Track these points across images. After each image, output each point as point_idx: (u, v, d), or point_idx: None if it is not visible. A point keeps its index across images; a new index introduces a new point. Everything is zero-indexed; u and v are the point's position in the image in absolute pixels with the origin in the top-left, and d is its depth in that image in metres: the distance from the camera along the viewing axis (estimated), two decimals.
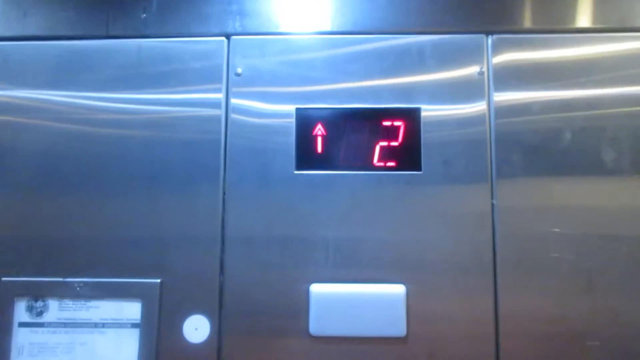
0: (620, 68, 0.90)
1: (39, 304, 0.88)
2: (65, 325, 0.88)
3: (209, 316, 0.87)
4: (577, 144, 0.88)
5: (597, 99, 0.89)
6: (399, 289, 0.85)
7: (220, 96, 0.90)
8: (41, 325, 0.88)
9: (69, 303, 0.88)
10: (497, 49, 0.90)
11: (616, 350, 0.84)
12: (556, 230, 0.86)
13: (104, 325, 0.88)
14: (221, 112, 0.90)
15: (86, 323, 0.88)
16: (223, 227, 0.88)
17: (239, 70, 0.91)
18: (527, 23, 0.92)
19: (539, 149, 0.88)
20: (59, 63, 0.93)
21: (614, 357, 0.84)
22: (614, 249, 0.86)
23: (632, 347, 0.84)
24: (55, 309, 0.88)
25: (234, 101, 0.90)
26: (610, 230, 0.86)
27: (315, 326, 0.85)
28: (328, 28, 0.93)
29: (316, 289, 0.86)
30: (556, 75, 0.90)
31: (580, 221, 0.87)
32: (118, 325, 0.88)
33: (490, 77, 0.90)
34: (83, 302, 0.88)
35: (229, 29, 0.93)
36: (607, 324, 0.85)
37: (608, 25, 0.91)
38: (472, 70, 0.90)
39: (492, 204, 0.87)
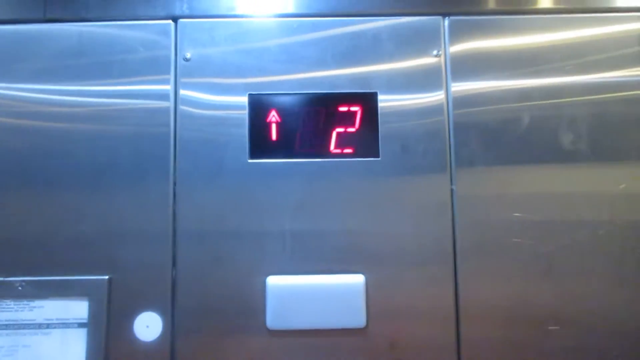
0: (578, 55, 0.89)
1: None
2: (6, 327, 0.83)
3: (161, 313, 0.83)
4: (534, 132, 0.87)
5: (554, 87, 0.88)
6: (357, 279, 0.83)
7: (168, 87, 0.86)
8: None
9: (10, 303, 0.84)
10: (455, 31, 0.88)
11: (576, 334, 0.84)
12: (515, 216, 0.85)
13: (48, 325, 0.83)
14: (170, 104, 0.85)
15: (29, 324, 0.83)
16: (174, 220, 0.84)
17: (188, 55, 0.87)
18: (485, 4, 0.90)
19: (498, 138, 0.87)
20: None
21: (574, 341, 0.84)
22: (572, 234, 0.86)
23: (592, 331, 0.84)
24: None
25: (183, 92, 0.86)
26: (567, 216, 0.86)
27: (273, 320, 0.82)
28: (282, 10, 0.90)
29: (273, 281, 0.83)
30: (514, 63, 0.89)
31: (538, 207, 0.86)
32: (64, 325, 0.83)
33: (448, 64, 0.88)
34: (26, 302, 0.84)
35: (176, 12, 0.89)
36: (568, 308, 0.85)
37: (569, 5, 0.90)
38: (428, 54, 0.88)
39: (452, 190, 0.85)
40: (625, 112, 0.88)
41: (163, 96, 0.86)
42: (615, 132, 0.88)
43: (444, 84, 0.87)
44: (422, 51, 0.88)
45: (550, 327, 0.84)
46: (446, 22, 0.89)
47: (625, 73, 0.89)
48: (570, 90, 0.88)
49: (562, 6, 0.91)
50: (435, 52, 0.88)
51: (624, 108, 0.88)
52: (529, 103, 0.88)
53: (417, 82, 0.87)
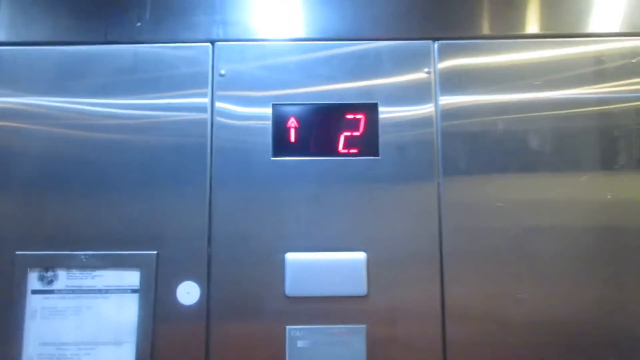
0: (545, 74, 1.07)
1: (50, 274, 1.02)
2: (73, 292, 1.02)
3: (199, 282, 1.01)
4: (509, 143, 1.05)
5: (526, 102, 1.06)
6: (360, 256, 1.01)
7: (206, 100, 1.05)
8: (51, 292, 1.02)
9: (76, 273, 1.02)
10: (443, 53, 1.07)
11: (556, 332, 1.00)
12: (494, 220, 1.03)
13: (107, 291, 1.02)
14: (207, 115, 1.05)
15: (91, 290, 1.02)
16: (210, 208, 1.03)
17: (223, 72, 1.06)
18: (470, 31, 1.09)
19: (480, 148, 1.04)
20: (61, 67, 1.07)
21: (555, 337, 1.01)
22: (547, 238, 1.02)
23: (569, 329, 1.00)
24: (64, 278, 1.02)
25: (218, 105, 1.05)
26: (541, 221, 1.03)
27: (290, 288, 1.00)
28: (300, 35, 1.09)
29: (290, 257, 1.01)
30: (494, 80, 1.06)
31: (516, 213, 1.03)
32: (120, 291, 1.02)
33: (437, 80, 1.07)
34: (89, 272, 1.02)
35: (214, 36, 1.08)
36: (547, 308, 1.01)
37: (538, 31, 1.08)
38: (421, 72, 1.07)
39: (438, 185, 1.03)
40: (584, 127, 1.06)
41: (201, 109, 1.05)
42: (575, 145, 1.05)
43: (434, 98, 1.06)
44: (416, 69, 1.07)
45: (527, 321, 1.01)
46: (436, 45, 1.08)
47: (584, 90, 1.07)
48: (538, 105, 1.06)
49: (532, 32, 1.09)
50: (426, 70, 1.07)
51: (582, 122, 1.06)
52: (504, 116, 1.06)
53: (411, 94, 1.06)
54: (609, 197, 1.03)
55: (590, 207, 1.03)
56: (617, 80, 1.07)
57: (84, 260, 1.02)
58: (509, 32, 1.09)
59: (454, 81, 1.07)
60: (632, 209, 1.03)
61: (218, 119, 1.04)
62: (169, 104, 1.05)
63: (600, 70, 1.07)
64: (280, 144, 1.04)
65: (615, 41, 1.08)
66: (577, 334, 1.00)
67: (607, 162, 1.04)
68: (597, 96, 1.06)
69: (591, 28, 1.09)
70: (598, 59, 1.07)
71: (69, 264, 1.02)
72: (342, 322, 1.00)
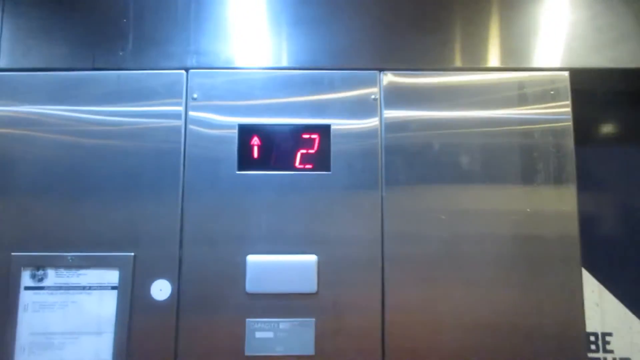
0: (478, 94, 1.22)
1: (40, 272, 1.16)
2: (60, 288, 1.16)
3: (171, 280, 1.16)
4: (443, 156, 1.20)
5: (458, 119, 1.22)
6: (312, 258, 1.16)
7: (179, 123, 1.20)
8: (42, 288, 1.16)
9: (63, 271, 1.17)
10: (387, 80, 1.23)
11: (481, 332, 1.15)
12: (430, 227, 1.17)
13: (90, 288, 1.16)
14: (181, 135, 1.19)
15: (76, 286, 1.16)
16: (182, 215, 1.17)
17: (195, 96, 1.21)
18: (412, 63, 1.25)
19: (417, 160, 1.20)
20: (54, 89, 1.22)
21: (480, 337, 1.15)
22: (475, 245, 1.17)
23: (492, 330, 1.14)
24: (53, 276, 1.16)
25: (190, 126, 1.20)
26: (470, 229, 1.17)
27: (250, 286, 1.15)
28: (265, 64, 1.24)
29: (251, 259, 1.16)
30: (432, 98, 1.22)
31: (448, 221, 1.18)
32: (101, 288, 1.16)
33: (382, 101, 1.22)
34: (74, 271, 1.16)
35: (188, 64, 1.23)
36: (473, 310, 1.15)
37: (467, 65, 1.24)
38: (368, 95, 1.22)
39: (382, 198, 1.18)
40: (508, 144, 1.21)
41: (176, 129, 1.20)
42: (500, 160, 1.21)
43: (379, 112, 1.21)
44: (364, 94, 1.22)
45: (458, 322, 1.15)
46: (382, 75, 1.23)
47: (508, 111, 1.22)
48: (469, 122, 1.21)
49: (464, 65, 1.25)
50: (373, 97, 1.22)
51: (506, 139, 1.21)
52: (440, 131, 1.21)
53: (359, 112, 1.21)
54: (528, 209, 1.17)
55: (512, 218, 1.18)
56: (537, 104, 1.22)
57: (71, 260, 1.16)
58: (444, 65, 1.24)
59: (397, 98, 1.22)
60: (548, 220, 1.17)
61: (190, 138, 1.19)
62: (149, 111, 1.21)
63: (522, 94, 1.22)
64: (245, 160, 1.19)
65: (536, 71, 1.23)
66: (500, 334, 1.14)
67: (527, 176, 1.19)
68: (519, 117, 1.22)
69: (514, 63, 1.25)
70: (520, 84, 1.23)
71: (58, 263, 1.16)
72: (295, 316, 1.14)
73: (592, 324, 1.36)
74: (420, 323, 1.15)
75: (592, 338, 1.37)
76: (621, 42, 1.26)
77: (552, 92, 1.22)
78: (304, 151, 1.20)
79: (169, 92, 1.21)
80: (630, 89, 1.38)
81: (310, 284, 1.14)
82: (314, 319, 1.13)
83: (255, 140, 1.20)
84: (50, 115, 1.20)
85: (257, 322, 1.13)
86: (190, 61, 1.22)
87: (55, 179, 1.18)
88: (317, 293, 1.14)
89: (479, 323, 1.15)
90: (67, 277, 1.16)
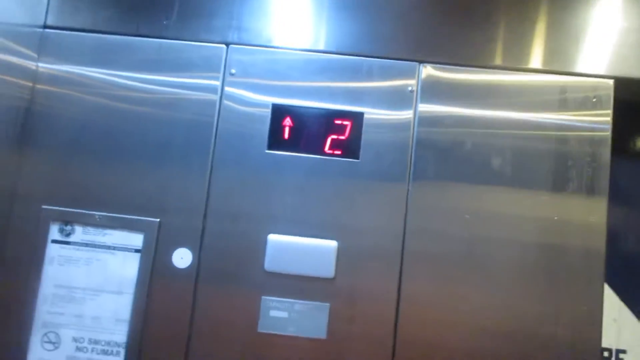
0: (514, 96, 1.20)
1: (68, 227, 1.20)
2: (86, 245, 1.20)
3: (192, 249, 1.18)
4: (475, 156, 1.19)
5: (493, 118, 1.20)
6: (332, 244, 1.17)
7: (215, 97, 1.21)
8: (68, 243, 1.20)
9: (90, 229, 1.20)
10: (426, 73, 1.21)
11: (495, 337, 1.14)
12: (453, 226, 1.16)
13: (115, 248, 1.19)
14: (217, 97, 1.21)
15: (102, 245, 1.20)
16: (209, 188, 1.19)
17: (233, 71, 1.22)
18: (453, 58, 1.23)
19: (447, 157, 1.19)
20: (98, 51, 1.24)
21: (494, 342, 1.14)
22: (497, 249, 1.16)
23: (508, 336, 1.14)
24: (79, 233, 1.20)
25: (225, 102, 1.21)
26: (494, 232, 1.16)
27: (269, 264, 1.17)
28: (304, 46, 1.24)
29: (272, 237, 1.18)
30: (469, 95, 1.20)
31: (472, 222, 1.17)
32: (125, 249, 1.19)
33: (419, 94, 1.21)
34: (101, 230, 1.20)
35: (229, 39, 1.24)
36: (490, 314, 1.15)
37: (509, 64, 1.22)
38: (405, 87, 1.21)
39: (407, 192, 1.18)
40: (542, 149, 1.19)
41: (211, 102, 1.22)
42: (532, 164, 1.19)
43: (414, 105, 1.20)
44: (401, 85, 1.21)
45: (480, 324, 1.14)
46: (421, 67, 1.22)
47: (546, 115, 1.20)
48: (504, 123, 1.20)
49: (506, 65, 1.22)
50: (410, 89, 1.21)
51: (541, 144, 1.19)
52: (473, 130, 1.19)
53: (394, 104, 1.21)
54: (556, 217, 1.16)
55: (538, 225, 1.16)
56: (577, 111, 1.19)
57: (98, 219, 1.19)
58: (486, 62, 1.22)
59: (434, 91, 1.20)
60: (575, 231, 1.15)
61: (224, 113, 1.20)
62: (186, 83, 1.22)
63: (563, 99, 1.20)
64: (275, 140, 1.20)
65: (579, 76, 1.20)
66: (513, 340, 1.14)
67: (558, 184, 1.17)
68: (557, 122, 1.19)
69: (557, 66, 1.22)
70: (562, 89, 1.20)
71: (85, 221, 1.20)
72: (310, 299, 1.16)
73: (608, 340, 1.34)
74: (434, 319, 1.15)
75: (606, 354, 1.35)
76: None
77: (594, 100, 1.19)
78: (334, 137, 1.20)
79: (208, 66, 1.22)
80: None
81: (328, 269, 1.15)
82: (329, 304, 1.15)
83: (288, 121, 1.20)
84: (91, 77, 1.22)
85: (273, 300, 1.15)
86: (232, 36, 1.23)
87: (90, 140, 1.21)
88: (334, 278, 1.15)
89: (493, 327, 1.14)
90: (94, 235, 1.19)
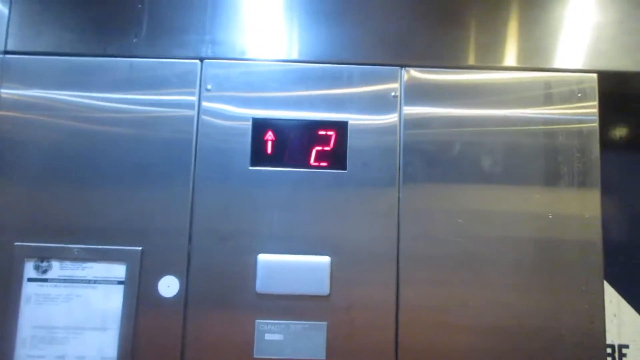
0: (499, 93, 1.18)
1: (44, 264, 1.13)
2: (64, 281, 1.13)
3: (179, 277, 1.12)
4: (464, 156, 1.16)
5: (481, 117, 1.17)
6: (325, 259, 1.12)
7: (192, 113, 1.16)
8: (45, 280, 1.13)
9: (68, 264, 1.13)
10: (408, 76, 1.18)
11: (498, 336, 1.11)
12: (447, 228, 1.13)
13: (95, 282, 1.13)
14: (194, 113, 1.16)
15: (82, 280, 1.13)
16: (192, 210, 1.13)
17: (209, 87, 1.17)
18: (434, 60, 1.20)
19: (436, 158, 1.16)
20: (65, 74, 1.18)
21: (498, 342, 1.11)
22: (494, 247, 1.13)
23: (510, 335, 1.11)
24: (57, 268, 1.13)
25: (203, 117, 1.16)
26: (489, 231, 1.14)
27: (261, 286, 1.11)
28: (281, 56, 1.19)
29: (262, 257, 1.12)
30: (453, 95, 1.18)
31: (468, 222, 1.14)
32: (107, 282, 1.13)
33: (402, 98, 1.18)
34: (80, 264, 1.13)
35: (202, 54, 1.19)
36: (492, 313, 1.12)
37: (490, 64, 1.20)
38: (388, 92, 1.18)
39: (398, 198, 1.14)
40: (530, 143, 1.17)
41: (189, 119, 1.16)
42: (523, 160, 1.17)
43: (398, 108, 1.17)
44: (384, 89, 1.18)
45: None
46: (403, 71, 1.19)
47: (532, 111, 1.18)
48: (491, 120, 1.17)
49: (490, 64, 1.20)
50: (393, 94, 1.18)
51: (530, 140, 1.17)
52: (461, 129, 1.17)
53: (378, 110, 1.17)
54: (550, 212, 1.13)
55: (533, 221, 1.14)
56: (563, 104, 1.18)
57: (76, 253, 1.13)
58: (468, 62, 1.20)
59: (418, 94, 1.17)
60: (570, 224, 1.13)
61: (203, 131, 1.15)
62: (161, 100, 1.17)
63: (548, 93, 1.18)
64: (258, 155, 1.15)
65: (562, 72, 1.19)
66: (517, 340, 1.11)
67: (550, 178, 1.15)
68: (544, 116, 1.18)
69: (540, 63, 1.20)
70: (547, 83, 1.19)
71: (63, 255, 1.13)
72: (306, 319, 1.11)
73: (609, 336, 1.32)
74: (435, 324, 1.11)
75: (609, 350, 1.33)
76: None
77: (579, 94, 1.17)
78: (319, 148, 1.16)
79: (183, 82, 1.17)
80: None
81: (322, 286, 1.11)
82: (326, 323, 1.10)
83: (270, 135, 1.16)
84: (60, 100, 1.17)
85: (267, 323, 1.10)
86: (206, 51, 1.18)
87: (63, 167, 1.15)
88: (329, 295, 1.11)
89: (496, 327, 1.11)
90: (72, 269, 1.13)
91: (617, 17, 1.22)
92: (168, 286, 1.11)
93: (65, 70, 1.17)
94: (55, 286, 1.12)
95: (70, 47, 1.18)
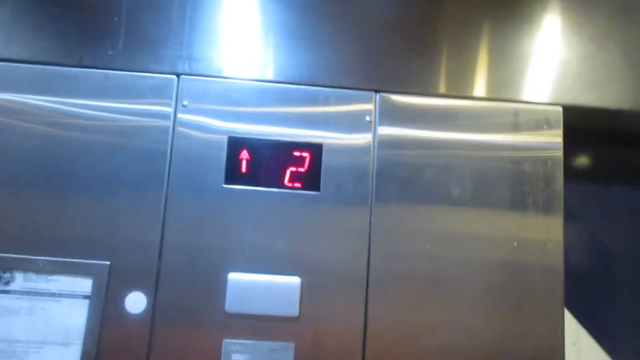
0: (471, 118, 1.22)
1: (7, 275, 1.10)
2: (28, 293, 1.10)
3: (147, 293, 1.11)
4: (435, 178, 1.19)
5: (451, 140, 1.21)
6: (295, 280, 1.13)
7: (168, 124, 1.16)
8: (7, 292, 1.10)
9: (32, 276, 1.11)
10: (383, 100, 1.21)
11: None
12: (416, 249, 1.16)
13: (60, 295, 1.11)
14: (169, 123, 1.15)
15: (46, 293, 1.10)
16: (163, 225, 1.13)
17: (185, 103, 1.17)
18: (406, 86, 1.23)
19: (408, 180, 1.18)
20: (38, 81, 1.16)
21: None
22: (461, 269, 1.16)
23: (476, 357, 1.14)
24: (20, 280, 1.10)
25: (179, 129, 1.16)
26: (458, 253, 1.17)
27: (230, 305, 1.11)
28: (259, 76, 1.20)
29: (233, 276, 1.12)
30: (426, 119, 1.21)
31: (437, 244, 1.17)
32: (72, 296, 1.11)
33: (377, 122, 1.20)
34: (45, 276, 1.11)
35: (179, 70, 1.19)
36: (458, 336, 1.14)
37: (460, 93, 1.24)
38: (363, 115, 1.20)
39: (370, 219, 1.16)
40: (498, 168, 1.21)
41: (163, 136, 1.16)
42: (491, 184, 1.20)
43: (373, 128, 1.19)
44: (359, 111, 1.20)
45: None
46: (377, 96, 1.22)
47: (501, 137, 1.22)
48: (462, 144, 1.21)
49: (461, 94, 1.24)
50: (367, 119, 1.20)
51: (498, 164, 1.21)
52: (433, 151, 1.20)
53: (353, 133, 1.19)
54: (515, 236, 1.18)
55: (499, 244, 1.18)
56: (530, 131, 1.23)
57: (41, 265, 1.10)
58: (439, 91, 1.23)
59: (392, 118, 1.20)
60: (534, 249, 1.18)
61: (177, 150, 1.15)
62: (136, 109, 1.16)
63: (516, 121, 1.23)
64: (233, 173, 1.16)
65: (529, 104, 1.24)
66: None
67: (516, 203, 1.19)
68: (512, 143, 1.22)
69: (507, 94, 1.25)
70: (515, 112, 1.24)
71: (27, 267, 1.10)
72: (274, 339, 1.11)
73: None
74: (401, 345, 1.13)
75: None
76: (613, 82, 1.27)
77: (545, 125, 1.23)
78: (293, 169, 1.17)
79: (159, 95, 1.16)
80: (619, 128, 1.39)
81: (292, 307, 1.11)
82: (293, 344, 1.10)
83: (245, 155, 1.16)
84: (29, 104, 1.14)
85: (235, 343, 1.10)
86: (182, 67, 1.18)
87: (30, 174, 1.12)
88: (298, 317, 1.11)
89: (462, 350, 1.14)
90: (36, 282, 1.10)
91: (583, 53, 1.28)
92: (135, 302, 1.10)
93: (38, 78, 1.15)
94: (18, 298, 1.09)
95: (45, 56, 1.16)
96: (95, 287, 1.10)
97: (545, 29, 1.29)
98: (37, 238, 1.11)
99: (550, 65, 1.27)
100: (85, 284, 1.10)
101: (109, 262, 1.11)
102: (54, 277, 1.10)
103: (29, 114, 1.14)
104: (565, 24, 1.30)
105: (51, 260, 1.10)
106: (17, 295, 1.09)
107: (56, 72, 1.16)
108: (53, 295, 1.10)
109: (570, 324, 1.37)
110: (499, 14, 1.28)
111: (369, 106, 1.20)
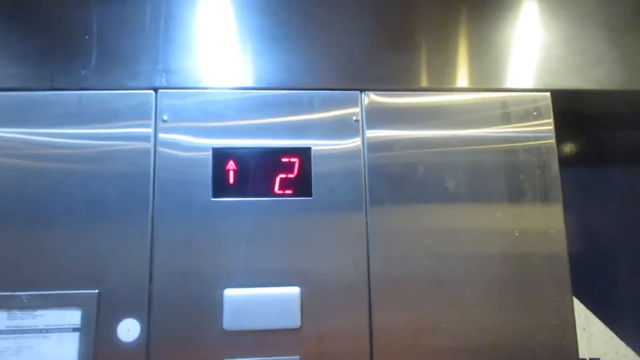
0: (459, 114, 1.19)
1: None
2: (13, 332, 1.04)
3: (140, 319, 1.06)
4: (428, 176, 1.16)
5: (443, 138, 1.18)
6: (294, 290, 1.08)
7: (149, 145, 1.11)
8: None
9: (17, 313, 1.04)
10: (369, 100, 1.18)
11: (474, 356, 1.10)
12: (416, 249, 1.12)
13: (48, 330, 1.04)
14: (150, 145, 1.10)
15: (32, 329, 1.04)
16: (152, 246, 1.08)
17: (165, 117, 1.13)
18: (394, 83, 1.20)
19: (401, 181, 1.15)
20: (7, 111, 1.11)
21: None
22: (464, 266, 1.13)
23: (485, 353, 1.10)
24: (4, 319, 1.04)
25: (160, 149, 1.11)
26: (458, 250, 1.13)
27: (228, 323, 1.06)
28: (238, 84, 1.17)
29: (229, 293, 1.07)
30: (415, 118, 1.18)
31: (437, 242, 1.13)
32: (61, 330, 1.05)
33: (364, 121, 1.17)
34: (30, 312, 1.05)
35: (157, 84, 1.15)
36: (465, 333, 1.10)
37: (447, 85, 1.21)
38: (350, 116, 1.16)
39: (366, 222, 1.12)
40: (491, 161, 1.18)
41: (145, 152, 1.11)
42: (486, 178, 1.17)
43: (361, 132, 1.16)
44: (345, 113, 1.17)
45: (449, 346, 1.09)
46: (363, 95, 1.18)
47: (492, 130, 1.20)
48: (453, 141, 1.18)
49: (447, 86, 1.22)
50: (354, 118, 1.16)
51: (491, 158, 1.18)
52: (424, 150, 1.17)
53: (340, 133, 1.15)
54: (516, 228, 1.14)
55: (500, 237, 1.15)
56: (520, 122, 1.21)
57: (26, 300, 1.04)
58: (425, 85, 1.21)
59: (379, 118, 1.17)
60: (536, 239, 1.14)
61: (160, 163, 1.10)
62: (114, 133, 1.11)
63: (505, 113, 1.21)
64: (220, 186, 1.11)
65: (517, 92, 1.21)
66: (492, 358, 1.09)
67: (513, 195, 1.17)
68: (503, 135, 1.20)
69: (495, 84, 1.23)
70: (504, 103, 1.21)
71: (10, 304, 1.04)
72: (277, 354, 1.06)
73: (580, 349, 1.32)
74: (409, 347, 1.09)
75: None
76: (599, 64, 1.25)
77: (534, 112, 1.20)
78: (283, 176, 1.13)
79: (137, 114, 1.12)
80: (609, 110, 1.38)
81: (293, 319, 1.06)
82: (298, 357, 1.05)
83: (231, 165, 1.12)
84: (3, 138, 1.09)
85: None
86: (159, 81, 1.14)
87: (9, 208, 1.07)
88: (301, 328, 1.06)
89: (470, 346, 1.10)
90: (22, 319, 1.04)
91: (565, 37, 1.27)
92: (128, 330, 1.04)
93: (8, 106, 1.11)
94: (3, 338, 1.03)
95: (14, 82, 1.12)
96: (84, 318, 1.04)
97: (525, 14, 1.28)
98: (20, 273, 1.05)
99: (533, 51, 1.26)
100: (73, 316, 1.05)
101: (97, 291, 1.05)
102: (40, 311, 1.04)
103: (1, 149, 1.08)
104: (544, 7, 1.29)
105: (35, 294, 1.05)
106: (3, 336, 1.04)
107: (27, 98, 1.11)
108: (40, 331, 1.04)
109: (580, 310, 1.34)
110: (477, 3, 1.26)
111: (356, 107, 1.16)
